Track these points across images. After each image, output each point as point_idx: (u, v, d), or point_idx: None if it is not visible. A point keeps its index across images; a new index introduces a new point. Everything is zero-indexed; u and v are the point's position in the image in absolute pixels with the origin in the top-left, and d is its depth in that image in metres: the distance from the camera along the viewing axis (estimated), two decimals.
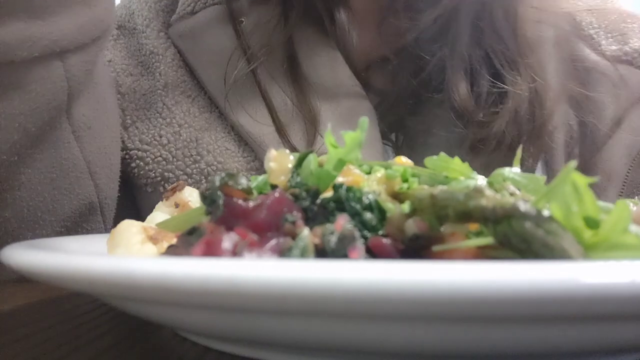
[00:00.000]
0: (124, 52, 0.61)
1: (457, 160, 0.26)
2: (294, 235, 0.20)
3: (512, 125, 0.52)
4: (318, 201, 0.23)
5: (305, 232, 0.20)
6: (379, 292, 0.15)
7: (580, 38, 0.58)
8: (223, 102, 0.56)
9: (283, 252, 0.19)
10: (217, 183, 0.23)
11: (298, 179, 0.25)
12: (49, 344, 0.25)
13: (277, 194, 0.22)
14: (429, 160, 0.26)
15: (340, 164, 0.24)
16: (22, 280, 0.40)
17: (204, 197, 0.23)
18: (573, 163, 0.18)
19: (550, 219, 0.17)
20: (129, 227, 0.29)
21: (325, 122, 0.54)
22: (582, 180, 0.18)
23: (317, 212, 0.23)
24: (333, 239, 0.19)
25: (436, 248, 0.20)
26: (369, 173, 0.27)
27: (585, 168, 0.55)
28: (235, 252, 0.19)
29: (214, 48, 0.57)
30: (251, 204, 0.22)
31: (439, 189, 0.21)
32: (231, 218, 0.22)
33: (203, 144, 0.57)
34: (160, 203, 0.36)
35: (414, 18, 0.53)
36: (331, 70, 0.57)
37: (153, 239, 0.28)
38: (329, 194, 0.24)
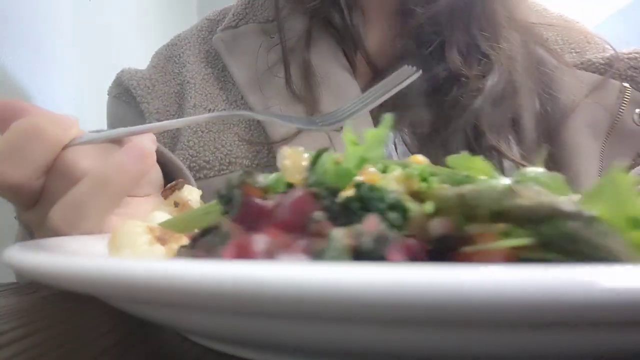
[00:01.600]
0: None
1: (478, 159, 0.25)
2: (320, 236, 0.19)
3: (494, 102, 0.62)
4: (339, 200, 0.22)
5: (340, 232, 0.19)
6: (400, 297, 0.13)
7: (545, 50, 0.67)
8: (248, 92, 0.65)
9: (315, 254, 0.18)
10: (235, 181, 0.22)
11: (314, 178, 0.24)
12: (49, 344, 0.25)
13: (300, 193, 0.21)
14: (452, 159, 0.25)
15: (361, 162, 0.23)
16: (21, 280, 0.40)
17: (221, 196, 0.22)
18: (619, 164, 0.17)
19: (598, 219, 0.17)
20: (134, 228, 0.28)
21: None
22: (625, 180, 0.17)
23: (338, 212, 0.22)
24: (368, 240, 0.18)
25: (469, 249, 0.20)
26: (384, 172, 0.27)
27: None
28: (268, 254, 0.18)
29: (247, 48, 0.68)
30: (272, 203, 0.21)
31: (468, 188, 0.21)
32: (249, 218, 0.21)
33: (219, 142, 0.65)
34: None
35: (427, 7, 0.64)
36: (339, 83, 0.64)
37: (160, 240, 0.27)
38: (348, 192, 0.23)
